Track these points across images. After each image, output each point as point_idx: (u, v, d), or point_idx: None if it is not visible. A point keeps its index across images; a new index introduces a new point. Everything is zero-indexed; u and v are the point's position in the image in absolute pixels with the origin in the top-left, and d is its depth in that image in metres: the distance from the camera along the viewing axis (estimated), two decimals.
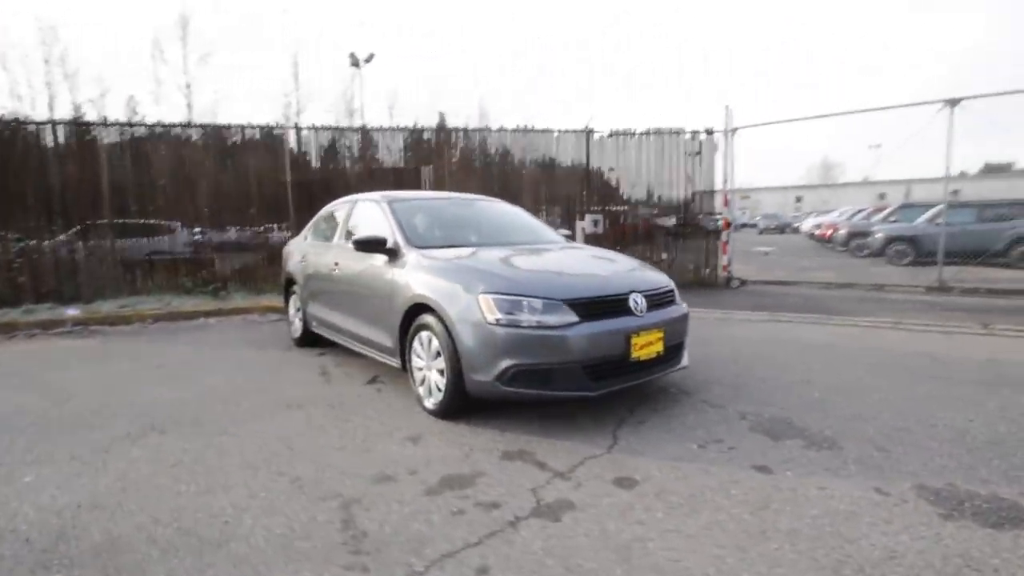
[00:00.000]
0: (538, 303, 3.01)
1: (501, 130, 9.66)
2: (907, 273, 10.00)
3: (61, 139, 7.95)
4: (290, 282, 5.53)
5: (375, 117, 45.18)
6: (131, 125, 8.68)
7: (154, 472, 2.66)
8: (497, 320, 2.98)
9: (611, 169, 9.89)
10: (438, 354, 3.25)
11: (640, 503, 2.29)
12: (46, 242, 7.75)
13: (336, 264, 4.49)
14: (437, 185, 9.24)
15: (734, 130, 9.30)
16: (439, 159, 9.61)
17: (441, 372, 3.24)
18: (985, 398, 3.48)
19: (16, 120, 8.07)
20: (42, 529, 2.16)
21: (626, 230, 10.00)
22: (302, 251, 5.31)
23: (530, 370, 2.97)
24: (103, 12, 47.99)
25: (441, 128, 10.43)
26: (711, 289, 9.06)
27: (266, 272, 8.60)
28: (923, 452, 2.72)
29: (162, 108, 27.99)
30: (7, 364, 5.00)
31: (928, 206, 13.18)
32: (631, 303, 3.21)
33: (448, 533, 2.08)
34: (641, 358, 3.17)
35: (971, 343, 5.02)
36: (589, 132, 9.68)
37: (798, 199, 47.04)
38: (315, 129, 9.17)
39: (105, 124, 8.23)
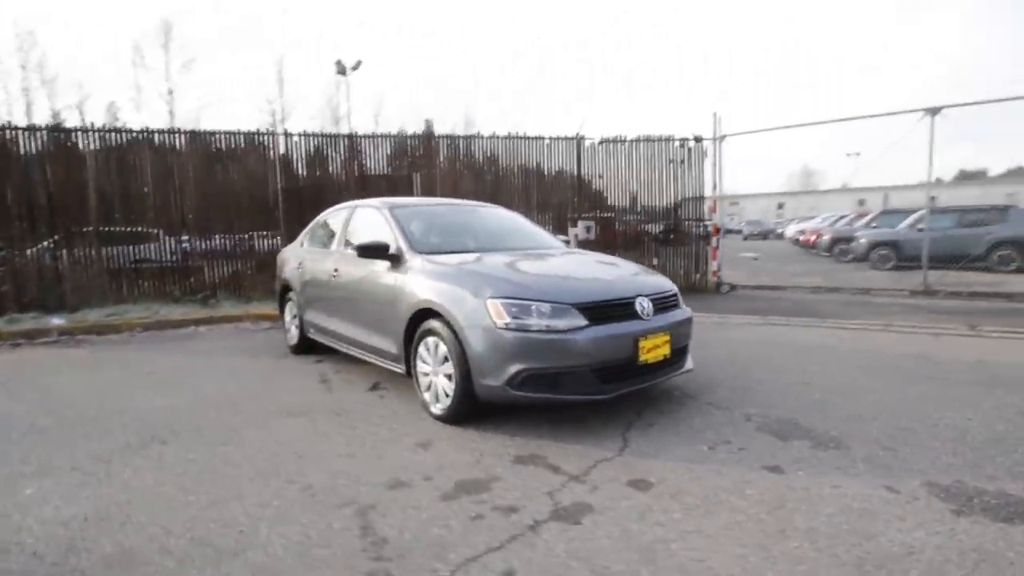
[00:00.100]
0: (546, 307, 3.02)
1: (493, 137, 9.69)
2: (892, 277, 10.20)
3: (42, 145, 7.79)
4: (286, 289, 5.47)
5: (361, 124, 45.07)
6: (118, 131, 8.53)
7: (160, 482, 2.60)
8: (506, 324, 2.98)
9: (599, 176, 9.97)
10: (445, 359, 3.24)
11: (657, 504, 2.30)
12: (29, 250, 7.56)
13: (336, 270, 4.45)
14: (428, 192, 9.23)
15: (722, 137, 9.45)
16: (430, 166, 9.61)
17: (448, 377, 3.23)
18: (980, 398, 3.56)
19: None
20: (50, 542, 2.10)
21: (617, 236, 10.08)
22: (299, 258, 5.26)
23: (540, 374, 2.97)
24: (83, 18, 47.35)
25: (432, 135, 10.44)
26: (702, 294, 9.15)
27: (255, 280, 8.49)
28: (928, 451, 2.78)
29: (143, 115, 27.68)
30: None
31: (909, 212, 13.51)
32: (638, 307, 3.23)
33: (469, 538, 2.07)
34: (649, 361, 3.19)
35: (960, 344, 5.14)
36: (580, 139, 9.76)
37: (780, 206, 47.87)
38: (306, 136, 9.11)
39: (93, 130, 8.08)
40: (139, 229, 8.33)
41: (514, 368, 2.95)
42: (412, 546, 2.02)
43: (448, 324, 3.20)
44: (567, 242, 4.88)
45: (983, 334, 5.53)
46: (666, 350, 3.29)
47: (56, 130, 8.34)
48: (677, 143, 9.79)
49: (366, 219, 4.42)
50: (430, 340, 3.36)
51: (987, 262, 10.71)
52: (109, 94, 53.35)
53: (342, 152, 9.40)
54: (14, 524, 2.23)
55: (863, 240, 13.36)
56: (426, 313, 3.40)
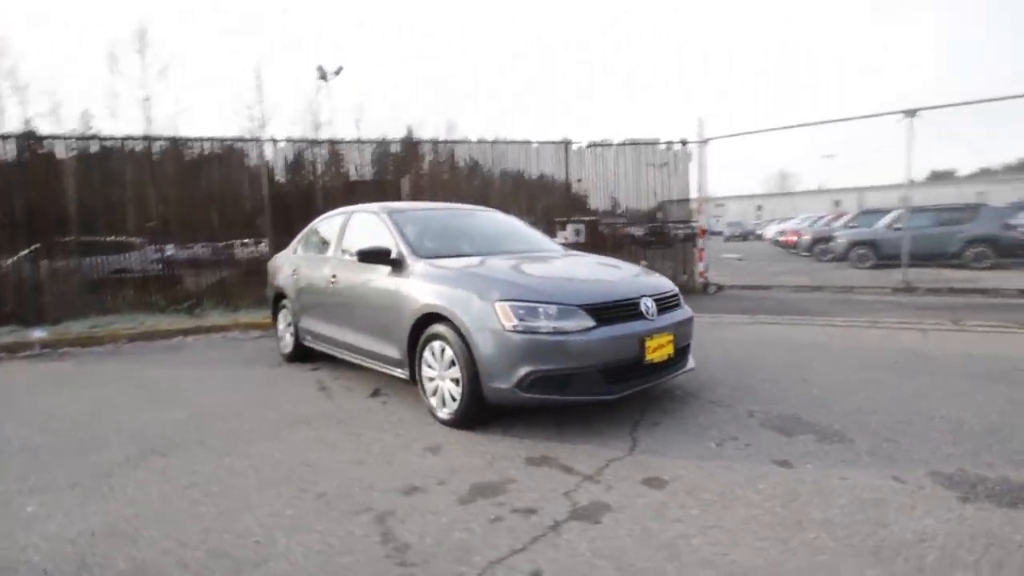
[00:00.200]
0: (554, 309, 3.03)
1: (481, 142, 9.72)
2: (872, 275, 10.45)
3: (19, 153, 7.57)
4: (280, 296, 5.39)
5: (342, 130, 44.75)
6: (100, 139, 8.35)
7: (166, 494, 2.55)
8: (515, 327, 2.98)
9: (579, 180, 10.04)
10: (452, 363, 3.23)
11: (674, 501, 2.32)
12: (8, 261, 7.34)
13: (334, 276, 4.41)
14: (416, 196, 9.20)
15: (706, 140, 9.61)
16: (418, 171, 9.59)
17: (455, 381, 3.22)
18: (972, 390, 3.66)
19: None
20: (59, 559, 2.04)
21: (604, 238, 10.16)
22: (292, 264, 5.20)
23: (549, 376, 2.98)
24: (56, 24, 46.29)
25: (419, 140, 10.42)
26: (690, 295, 9.23)
27: (242, 288, 8.35)
28: (928, 441, 2.85)
29: (119, 122, 27.00)
30: None
31: (885, 212, 13.85)
32: (642, 307, 3.27)
33: (492, 540, 2.06)
34: (654, 361, 3.22)
35: (946, 339, 5.29)
36: (568, 143, 9.83)
37: (759, 207, 48.68)
38: (292, 142, 9.03)
39: (72, 137, 7.89)
40: (121, 238, 8.15)
41: (523, 370, 2.96)
42: (435, 551, 2.01)
43: (455, 328, 3.20)
44: (564, 245, 4.90)
45: (967, 328, 5.69)
46: (670, 349, 3.33)
47: (35, 138, 8.14)
48: (663, 146, 9.93)
49: (364, 224, 4.38)
50: (436, 344, 3.35)
51: (962, 259, 11.05)
52: (83, 102, 52.04)
53: (328, 158, 9.33)
54: (19, 542, 2.17)
55: (842, 240, 13.67)
56: (431, 317, 3.39)
